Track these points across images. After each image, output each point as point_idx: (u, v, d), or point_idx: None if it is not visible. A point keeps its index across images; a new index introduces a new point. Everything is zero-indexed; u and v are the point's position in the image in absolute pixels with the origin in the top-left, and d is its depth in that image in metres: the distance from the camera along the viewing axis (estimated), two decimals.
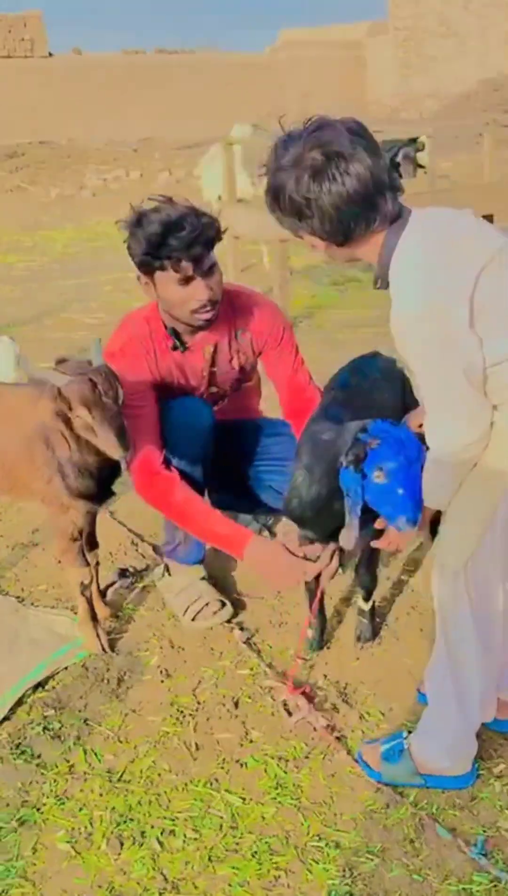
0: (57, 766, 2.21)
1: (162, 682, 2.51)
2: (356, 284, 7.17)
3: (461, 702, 1.90)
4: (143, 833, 2.00)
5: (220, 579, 2.93)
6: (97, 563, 2.67)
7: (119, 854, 1.95)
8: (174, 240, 2.25)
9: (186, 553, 2.76)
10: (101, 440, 2.19)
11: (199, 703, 2.41)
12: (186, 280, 2.32)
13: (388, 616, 2.72)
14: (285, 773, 2.13)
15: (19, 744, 2.30)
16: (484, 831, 1.91)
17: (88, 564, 2.58)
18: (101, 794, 2.12)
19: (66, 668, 2.59)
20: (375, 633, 2.57)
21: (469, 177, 10.97)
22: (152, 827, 2.01)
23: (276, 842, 1.94)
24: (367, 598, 2.52)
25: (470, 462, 1.67)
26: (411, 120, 13.68)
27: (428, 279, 1.56)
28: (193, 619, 2.71)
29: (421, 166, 6.12)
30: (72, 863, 1.94)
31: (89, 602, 2.62)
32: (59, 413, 2.22)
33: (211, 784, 2.12)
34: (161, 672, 2.55)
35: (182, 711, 2.38)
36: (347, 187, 1.58)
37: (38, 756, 2.26)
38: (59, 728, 2.35)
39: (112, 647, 2.66)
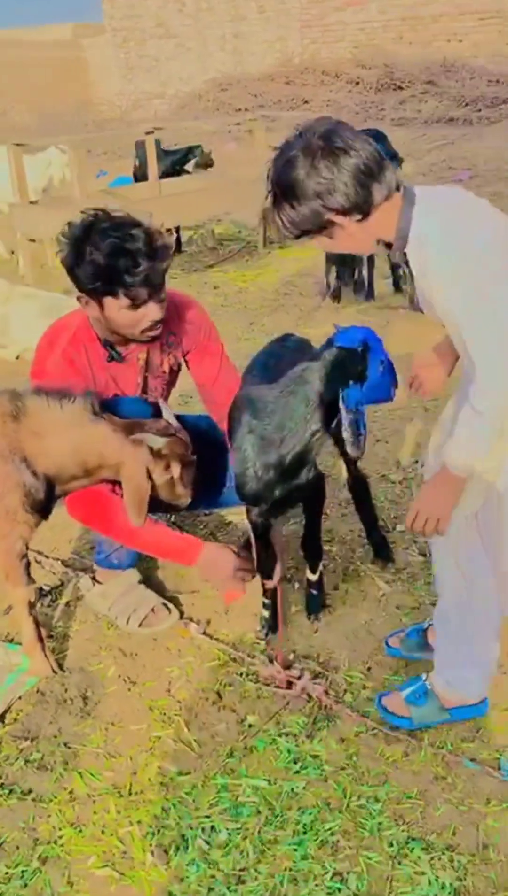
0: (56, 797, 2.10)
1: (129, 690, 2.44)
2: None
3: (479, 629, 2.07)
4: (183, 836, 1.96)
5: (146, 579, 2.88)
6: None
7: (168, 863, 1.90)
8: (131, 272, 2.14)
9: (121, 558, 2.69)
10: (176, 495, 2.30)
11: (179, 702, 2.38)
12: (140, 304, 2.24)
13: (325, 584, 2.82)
14: (298, 746, 2.17)
15: (3, 783, 2.15)
16: (501, 754, 2.09)
17: (33, 582, 2.45)
18: (118, 812, 2.05)
19: (19, 697, 2.44)
20: (324, 603, 2.67)
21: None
22: (191, 828, 1.97)
23: (319, 811, 1.98)
24: (314, 570, 2.61)
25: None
26: (146, 119, 13.84)
27: (462, 231, 1.68)
28: (139, 626, 2.66)
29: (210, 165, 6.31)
30: (120, 885, 1.87)
31: (36, 622, 2.48)
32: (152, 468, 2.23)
33: (229, 774, 2.11)
34: (124, 681, 2.48)
35: (165, 714, 2.34)
36: (357, 158, 1.67)
37: (30, 791, 2.13)
38: (42, 758, 2.22)
39: (60, 667, 2.54)
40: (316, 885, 1.81)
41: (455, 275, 1.68)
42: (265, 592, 2.57)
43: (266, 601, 2.60)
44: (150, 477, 2.23)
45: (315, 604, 2.65)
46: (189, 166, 6.35)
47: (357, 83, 14.16)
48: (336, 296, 5.58)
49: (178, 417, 2.45)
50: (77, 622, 2.76)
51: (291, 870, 1.85)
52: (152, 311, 2.24)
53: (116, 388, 2.46)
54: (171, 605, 2.72)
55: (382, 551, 2.86)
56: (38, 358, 2.43)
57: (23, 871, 1.92)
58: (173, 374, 2.62)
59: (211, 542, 2.52)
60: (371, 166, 1.69)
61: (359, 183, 1.68)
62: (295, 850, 1.89)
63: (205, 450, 2.55)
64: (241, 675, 2.45)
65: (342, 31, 15.38)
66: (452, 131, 11.67)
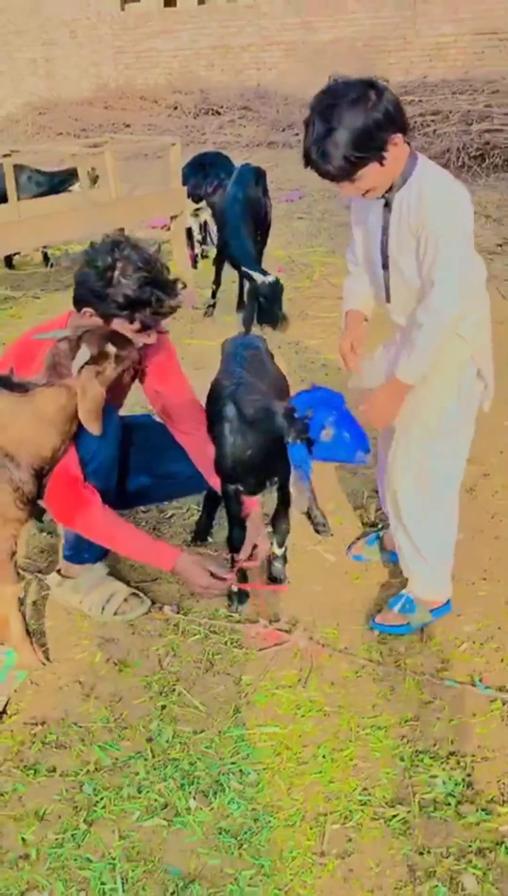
0: (81, 770, 2.25)
1: (121, 671, 2.61)
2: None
3: (447, 531, 2.55)
4: (217, 781, 2.17)
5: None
6: None
7: (211, 805, 2.10)
8: (154, 307, 2.39)
9: (91, 554, 2.84)
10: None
11: (173, 673, 2.57)
12: (147, 330, 2.46)
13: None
14: (295, 695, 2.43)
15: (26, 765, 2.27)
16: (473, 676, 2.45)
17: (23, 579, 2.57)
18: (147, 772, 2.22)
19: (14, 691, 2.55)
20: (285, 575, 2.95)
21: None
22: (222, 774, 2.19)
23: (332, 744, 2.26)
24: (281, 545, 2.88)
25: (445, 337, 2.24)
26: None
27: (460, 193, 2.18)
28: (114, 614, 2.82)
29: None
30: (171, 830, 2.05)
31: (23, 617, 2.60)
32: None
33: (242, 726, 2.34)
34: (113, 664, 2.64)
35: (163, 686, 2.52)
36: (393, 94, 2.10)
37: (55, 769, 2.26)
38: (57, 738, 2.36)
39: (48, 658, 2.66)
40: (349, 801, 2.08)
41: (445, 219, 2.15)
42: (233, 567, 2.81)
43: (235, 577, 2.82)
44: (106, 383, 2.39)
45: (281, 574, 2.91)
46: (75, 188, 6.45)
47: (176, 108, 14.57)
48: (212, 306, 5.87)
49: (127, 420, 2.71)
50: (49, 619, 2.87)
51: (324, 795, 2.11)
52: (151, 338, 2.50)
53: None
54: (140, 594, 2.90)
55: (320, 526, 3.19)
56: (16, 364, 2.53)
57: (73, 835, 2.05)
58: (129, 385, 2.83)
59: (188, 555, 2.69)
60: (399, 101, 2.10)
61: (401, 115, 2.10)
62: (321, 775, 2.15)
63: (157, 442, 2.82)
64: (225, 643, 2.67)
65: (155, 57, 15.79)
66: (274, 154, 12.32)
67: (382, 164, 2.13)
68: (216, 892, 1.88)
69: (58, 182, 6.52)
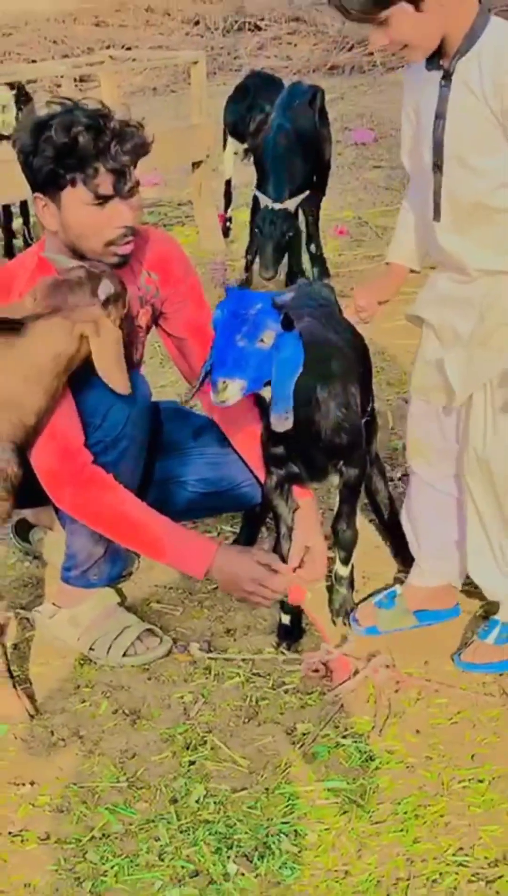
0: (84, 837, 2.53)
1: (134, 724, 2.90)
2: None
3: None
4: (264, 844, 2.45)
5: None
6: None
7: (256, 870, 2.38)
8: (90, 146, 2.74)
9: (98, 576, 3.17)
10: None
11: (204, 724, 2.87)
12: (103, 200, 2.81)
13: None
14: (368, 745, 2.72)
15: (10, 831, 2.57)
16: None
17: (2, 598, 2.92)
18: (171, 836, 2.51)
19: None
20: (354, 605, 3.24)
21: None
22: (270, 836, 2.47)
23: (416, 799, 2.54)
24: (346, 562, 3.18)
25: None
26: None
27: None
28: (124, 655, 3.13)
29: None
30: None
31: (4, 653, 2.92)
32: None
33: (296, 782, 2.63)
34: (124, 715, 2.94)
35: (190, 739, 2.81)
36: None
37: (48, 836, 2.56)
38: (51, 800, 2.65)
39: (36, 710, 2.98)
40: (438, 862, 2.35)
41: None
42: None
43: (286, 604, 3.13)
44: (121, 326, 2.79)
45: (348, 604, 3.22)
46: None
47: (197, 23, 15.31)
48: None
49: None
50: (36, 663, 3.20)
51: (404, 856, 2.38)
52: (120, 213, 2.83)
53: None
54: (159, 631, 3.21)
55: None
56: None
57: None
58: (147, 332, 3.20)
59: (227, 548, 2.99)
60: None
61: None
62: (402, 834, 2.43)
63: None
64: (272, 686, 2.98)
65: None
66: (338, 82, 12.89)
67: (418, 8, 2.41)
68: None
69: None
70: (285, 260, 6.21)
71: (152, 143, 2.88)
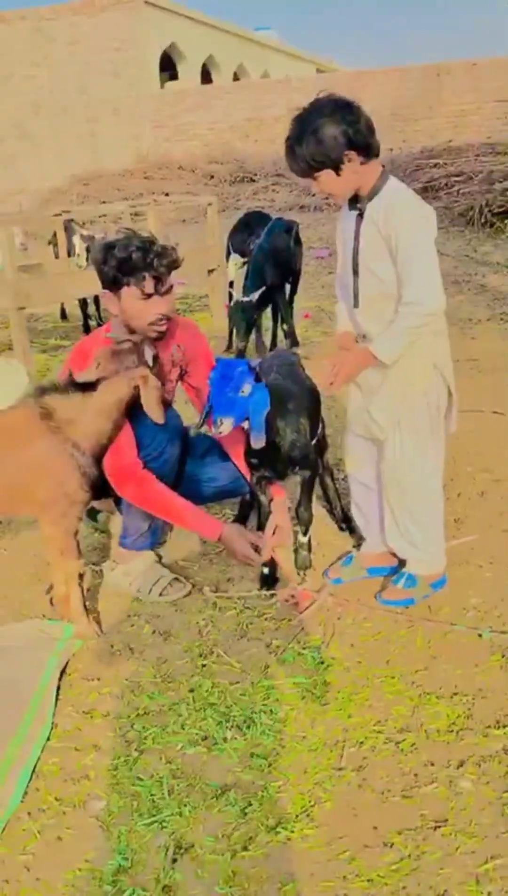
0: (131, 714, 2.57)
1: (166, 640, 2.94)
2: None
3: (440, 512, 2.90)
4: (250, 718, 2.49)
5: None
6: None
7: (245, 735, 2.42)
8: (140, 261, 2.83)
9: (143, 542, 3.24)
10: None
11: (212, 640, 2.91)
12: (148, 296, 2.89)
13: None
14: (320, 653, 2.76)
15: (84, 710, 2.61)
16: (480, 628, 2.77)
17: (82, 556, 2.96)
18: (189, 714, 2.54)
19: (73, 655, 2.90)
20: (311, 562, 3.29)
21: None
22: (254, 713, 2.51)
23: (350, 689, 2.58)
24: (305, 533, 3.24)
25: (421, 330, 2.58)
26: (12, 213, 14.48)
27: (425, 205, 2.58)
28: (160, 595, 3.18)
29: None
30: (211, 755, 2.37)
31: (82, 592, 2.97)
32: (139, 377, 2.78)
33: (272, 678, 2.67)
34: (159, 634, 2.98)
35: (203, 649, 2.85)
36: (367, 119, 2.49)
37: (108, 713, 2.60)
38: (110, 690, 2.69)
39: (101, 629, 3.02)
40: (364, 730, 2.39)
41: (413, 221, 2.53)
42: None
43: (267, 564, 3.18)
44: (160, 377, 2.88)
45: (306, 561, 3.26)
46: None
47: (212, 177, 15.42)
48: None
49: None
50: (102, 601, 3.24)
51: (341, 726, 2.43)
52: (159, 305, 2.91)
53: None
54: (182, 578, 3.26)
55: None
56: (76, 352, 3.04)
57: (125, 760, 2.39)
58: (175, 383, 3.26)
59: (233, 526, 3.13)
60: (372, 126, 2.47)
61: (370, 131, 2.47)
62: (340, 712, 2.48)
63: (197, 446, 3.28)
64: (257, 615, 3.02)
65: (191, 130, 16.74)
66: (304, 217, 12.97)
67: (338, 174, 2.50)
68: (249, 798, 2.20)
69: None
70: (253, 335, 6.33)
71: (182, 259, 2.95)
